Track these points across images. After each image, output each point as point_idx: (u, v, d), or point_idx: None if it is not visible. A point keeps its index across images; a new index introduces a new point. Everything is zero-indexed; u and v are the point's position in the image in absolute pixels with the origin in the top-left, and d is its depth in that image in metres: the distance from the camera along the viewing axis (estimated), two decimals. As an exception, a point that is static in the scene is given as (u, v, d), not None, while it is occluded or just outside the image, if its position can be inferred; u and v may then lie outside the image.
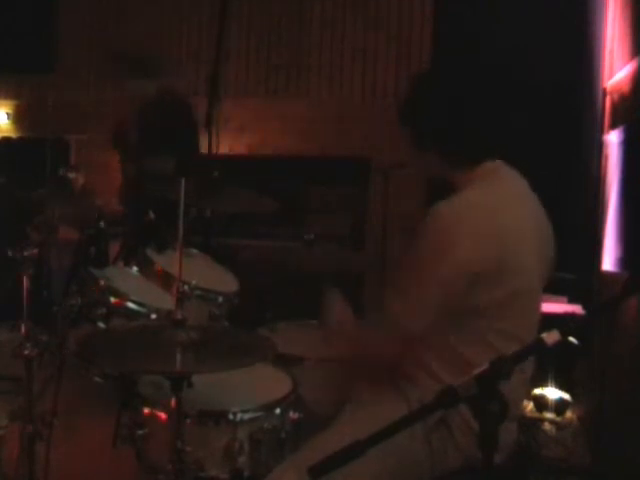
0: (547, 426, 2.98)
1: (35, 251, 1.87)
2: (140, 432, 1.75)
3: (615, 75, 3.37)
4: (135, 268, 2.36)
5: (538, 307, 1.83)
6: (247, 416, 1.78)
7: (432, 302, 1.66)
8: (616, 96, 3.35)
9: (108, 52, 3.72)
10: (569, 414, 3.05)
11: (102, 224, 2.34)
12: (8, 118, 5.71)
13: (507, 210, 1.72)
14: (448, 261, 1.63)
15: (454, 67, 1.97)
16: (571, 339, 1.16)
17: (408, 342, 1.71)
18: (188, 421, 1.70)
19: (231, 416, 1.77)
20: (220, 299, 2.32)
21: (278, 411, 1.83)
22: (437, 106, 1.83)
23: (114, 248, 3.18)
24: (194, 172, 2.83)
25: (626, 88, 3.10)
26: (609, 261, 3.17)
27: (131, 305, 2.09)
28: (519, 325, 1.72)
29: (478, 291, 1.64)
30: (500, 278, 1.65)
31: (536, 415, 3.02)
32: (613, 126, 3.37)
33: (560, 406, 3.04)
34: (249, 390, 1.90)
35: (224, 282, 2.47)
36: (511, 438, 1.79)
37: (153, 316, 2.09)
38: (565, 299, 3.35)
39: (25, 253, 1.86)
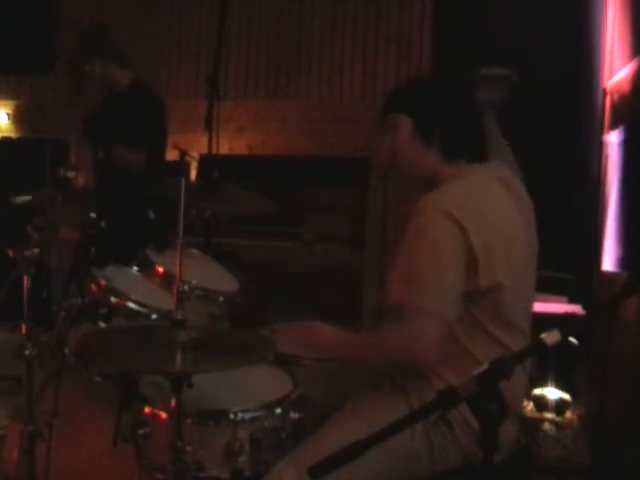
0: (547, 426, 2.98)
1: (35, 251, 1.87)
2: (141, 431, 1.75)
3: (615, 75, 3.37)
4: (135, 268, 2.36)
5: (530, 297, 1.85)
6: (247, 416, 1.78)
7: (449, 284, 1.65)
8: (616, 96, 3.35)
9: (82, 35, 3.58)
10: (569, 414, 3.05)
11: (102, 224, 2.34)
12: (8, 118, 5.71)
13: (489, 203, 1.75)
14: (445, 250, 1.65)
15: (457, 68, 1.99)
16: (571, 339, 1.16)
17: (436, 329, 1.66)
18: (188, 421, 1.70)
19: (231, 416, 1.77)
20: (220, 299, 2.32)
21: (279, 411, 1.83)
22: (441, 100, 1.85)
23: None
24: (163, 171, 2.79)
25: (626, 88, 3.10)
26: (609, 261, 3.17)
27: (132, 305, 2.08)
28: (514, 312, 1.74)
29: (472, 276, 1.66)
30: (490, 264, 1.67)
31: (536, 415, 3.02)
32: (613, 126, 3.37)
33: (560, 406, 3.04)
34: (249, 390, 1.90)
35: (224, 282, 2.47)
36: (511, 438, 1.78)
37: (154, 316, 2.09)
38: (565, 299, 3.35)
39: (25, 253, 1.86)
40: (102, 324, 2.05)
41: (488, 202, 1.76)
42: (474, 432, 1.64)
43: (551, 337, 1.15)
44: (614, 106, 3.42)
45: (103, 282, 2.11)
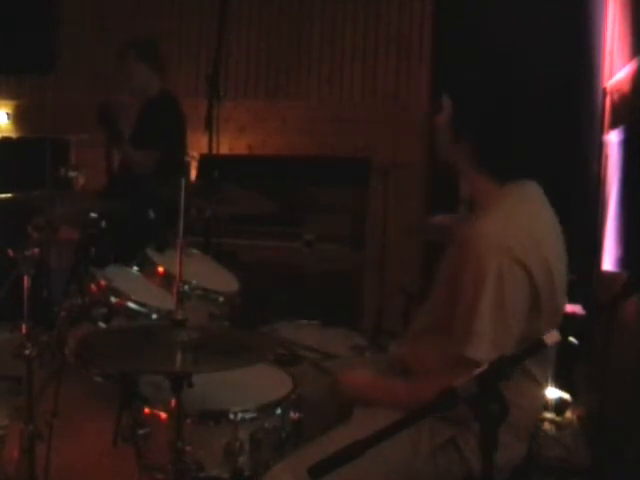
0: (547, 426, 2.98)
1: (35, 251, 1.87)
2: (141, 431, 1.75)
3: (615, 75, 3.37)
4: (135, 268, 2.36)
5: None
6: (247, 416, 1.78)
7: (510, 332, 1.55)
8: (616, 96, 3.35)
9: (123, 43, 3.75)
10: (569, 414, 3.05)
11: (102, 224, 2.35)
12: (8, 118, 5.71)
13: (543, 236, 1.64)
14: (507, 286, 1.53)
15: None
16: (571, 339, 1.16)
17: None
18: (188, 421, 1.70)
19: (231, 416, 1.76)
20: (221, 299, 2.32)
21: (278, 411, 1.83)
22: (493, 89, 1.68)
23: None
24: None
25: (626, 88, 3.11)
26: (609, 261, 3.17)
27: (132, 305, 2.09)
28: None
29: (538, 315, 1.58)
30: (550, 300, 1.60)
31: (536, 415, 3.02)
32: (613, 126, 3.37)
33: (560, 406, 3.04)
34: (249, 390, 1.90)
35: (224, 282, 2.47)
36: (518, 457, 1.72)
37: (154, 316, 2.09)
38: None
39: (25, 253, 1.86)
40: (102, 324, 2.05)
41: (541, 231, 1.64)
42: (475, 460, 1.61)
43: (551, 337, 1.15)
44: (614, 106, 3.42)
45: (103, 282, 2.11)
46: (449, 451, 1.66)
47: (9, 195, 2.26)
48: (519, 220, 1.62)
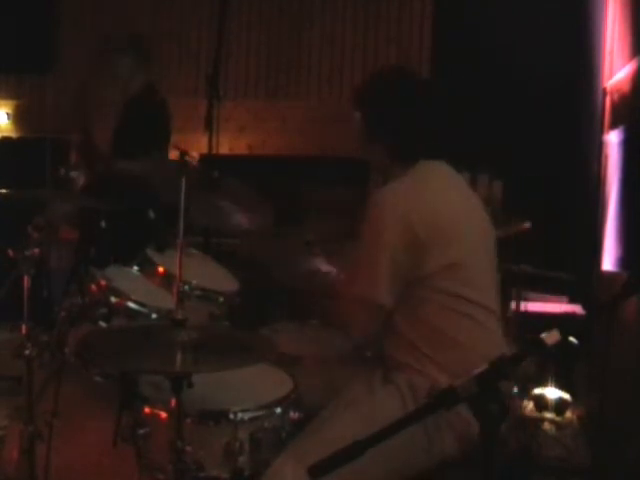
0: (547, 426, 2.98)
1: (35, 251, 1.87)
2: (141, 431, 1.75)
3: (615, 75, 3.38)
4: (135, 268, 2.36)
5: (490, 275, 1.95)
6: (247, 416, 1.78)
7: (382, 272, 1.83)
8: (616, 96, 3.35)
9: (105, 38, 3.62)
10: (569, 414, 3.05)
11: (102, 224, 2.35)
12: (8, 118, 5.70)
13: (435, 193, 1.90)
14: (384, 240, 1.84)
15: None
16: (571, 339, 1.16)
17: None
18: (188, 421, 1.70)
19: (231, 416, 1.77)
20: (221, 299, 2.32)
21: (278, 411, 1.84)
22: (390, 101, 1.96)
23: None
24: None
25: (626, 88, 3.11)
26: (609, 261, 3.17)
27: (132, 305, 2.08)
28: (474, 289, 1.85)
29: (422, 261, 1.81)
30: (438, 248, 1.81)
31: (536, 415, 3.02)
32: (613, 126, 3.38)
33: (560, 406, 3.04)
34: (249, 390, 1.90)
35: (224, 282, 2.47)
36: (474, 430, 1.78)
37: (154, 316, 2.09)
38: (565, 299, 3.35)
39: (25, 253, 1.86)
40: (102, 324, 2.05)
41: (436, 194, 1.91)
42: (462, 417, 1.65)
43: (551, 337, 1.15)
44: (614, 106, 3.42)
45: (103, 282, 2.11)
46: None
47: (8, 191, 2.26)
48: (418, 190, 1.89)
